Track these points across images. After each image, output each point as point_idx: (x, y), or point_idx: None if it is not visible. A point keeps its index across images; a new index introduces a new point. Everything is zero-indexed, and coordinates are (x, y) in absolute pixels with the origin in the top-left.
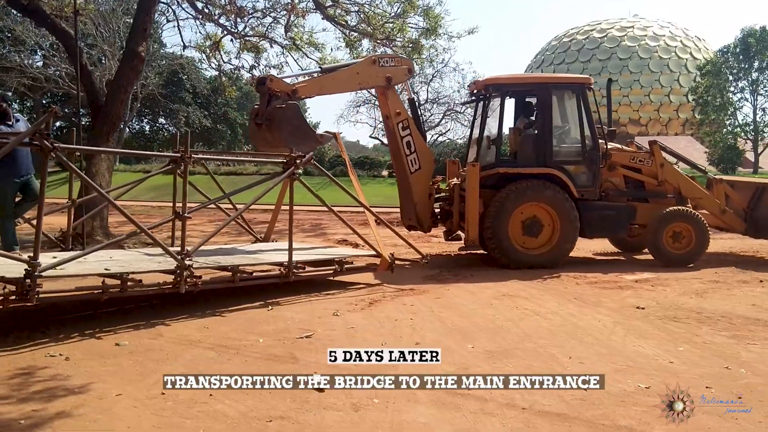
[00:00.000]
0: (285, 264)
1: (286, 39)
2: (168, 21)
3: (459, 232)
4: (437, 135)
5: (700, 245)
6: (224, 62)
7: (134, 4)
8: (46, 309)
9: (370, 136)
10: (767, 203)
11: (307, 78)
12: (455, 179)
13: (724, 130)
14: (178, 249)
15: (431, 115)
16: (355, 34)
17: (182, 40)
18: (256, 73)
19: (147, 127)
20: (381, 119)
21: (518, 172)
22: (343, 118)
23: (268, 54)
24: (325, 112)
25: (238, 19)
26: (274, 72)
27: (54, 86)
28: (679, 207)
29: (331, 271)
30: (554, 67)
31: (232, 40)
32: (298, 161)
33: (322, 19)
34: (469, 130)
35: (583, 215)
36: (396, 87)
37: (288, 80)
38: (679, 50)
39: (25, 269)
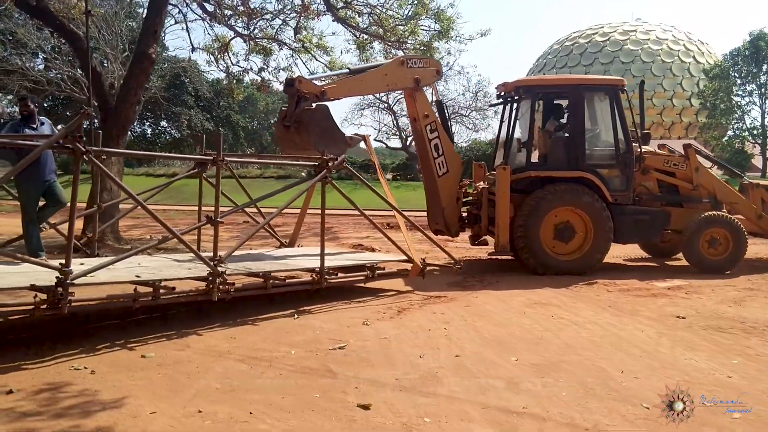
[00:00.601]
0: (317, 270)
1: (296, 41)
2: (176, 22)
3: (485, 237)
4: None
5: (738, 251)
6: (233, 64)
7: (137, 7)
8: (68, 318)
9: (375, 139)
10: None
11: (335, 79)
12: (482, 182)
13: (731, 133)
14: (210, 254)
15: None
16: (366, 36)
17: (191, 42)
18: (265, 75)
19: (149, 131)
20: (384, 122)
21: (550, 175)
22: (347, 121)
23: (276, 56)
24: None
25: (249, 21)
26: (282, 75)
27: (56, 89)
28: (716, 212)
29: (363, 278)
30: (557, 71)
31: (246, 42)
32: (330, 164)
33: (333, 20)
34: (497, 132)
35: (617, 220)
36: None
37: (316, 82)
38: (682, 54)
39: (57, 277)
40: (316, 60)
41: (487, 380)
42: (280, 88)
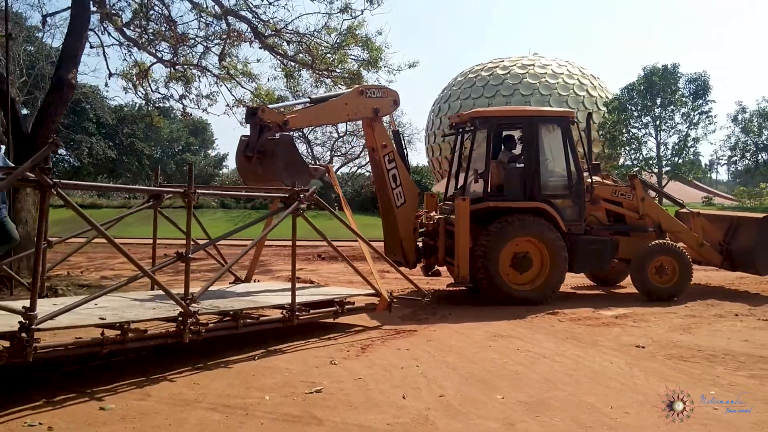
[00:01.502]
0: (286, 307)
1: (220, 68)
2: (92, 47)
3: (438, 268)
4: (357, 167)
5: (685, 279)
6: (153, 91)
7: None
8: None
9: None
10: (741, 236)
11: (297, 108)
12: (434, 212)
13: (628, 163)
14: (180, 293)
15: (351, 147)
16: (294, 64)
17: (108, 68)
18: (187, 102)
19: None
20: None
21: (508, 206)
22: None
23: (198, 84)
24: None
25: (177, 47)
26: (204, 102)
27: None
28: (663, 241)
29: (332, 313)
30: (461, 102)
31: (168, 68)
32: (301, 195)
33: (260, 48)
34: (450, 163)
35: (571, 250)
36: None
37: (278, 111)
38: (576, 88)
39: (20, 322)
40: (242, 87)
41: (483, 422)
42: (202, 115)
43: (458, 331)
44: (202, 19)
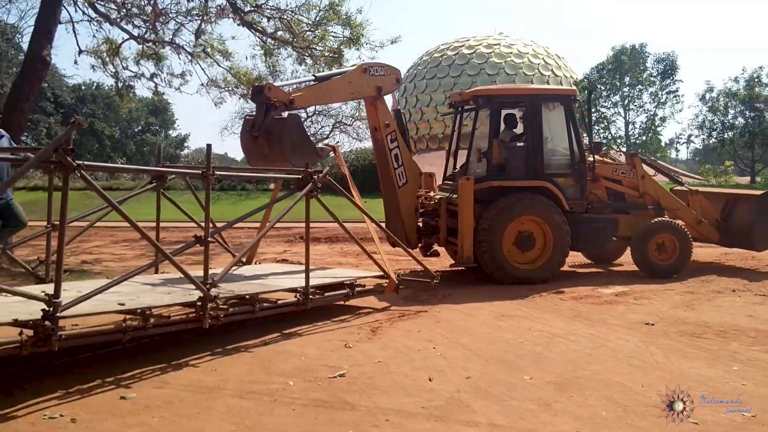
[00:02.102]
0: (299, 290)
1: (196, 46)
2: (60, 23)
3: (436, 248)
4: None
5: (685, 256)
6: (124, 69)
7: None
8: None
9: None
10: (739, 213)
11: (302, 87)
12: (432, 192)
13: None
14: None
15: (321, 127)
16: (273, 41)
17: (77, 44)
18: (158, 81)
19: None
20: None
21: (513, 185)
22: (227, 130)
23: (170, 62)
24: (203, 124)
25: (155, 23)
26: (176, 81)
27: None
28: (664, 218)
29: (342, 296)
30: (426, 82)
31: (141, 45)
32: (315, 177)
33: (238, 24)
34: (449, 142)
35: (572, 228)
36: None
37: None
38: (541, 67)
39: (43, 309)
40: (218, 66)
41: (519, 403)
42: (174, 94)
43: (464, 311)
44: None
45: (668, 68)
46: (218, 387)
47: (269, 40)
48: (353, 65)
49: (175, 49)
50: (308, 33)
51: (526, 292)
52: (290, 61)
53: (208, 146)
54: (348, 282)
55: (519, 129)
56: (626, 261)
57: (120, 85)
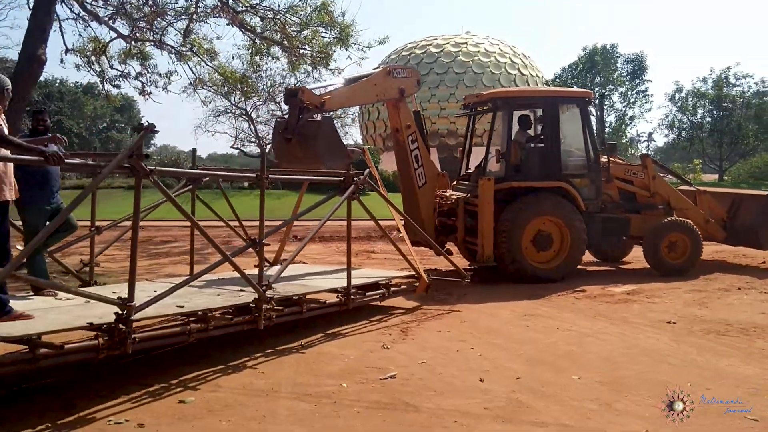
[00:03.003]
0: (340, 290)
1: (184, 45)
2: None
3: (448, 247)
4: None
5: (695, 255)
6: (110, 68)
7: None
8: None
9: (232, 147)
10: (744, 213)
11: (330, 89)
12: (447, 191)
13: None
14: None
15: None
16: (263, 41)
17: (64, 43)
18: (144, 80)
19: None
20: (242, 129)
21: (531, 185)
22: (201, 128)
23: (156, 61)
24: (170, 121)
25: (152, 21)
26: (161, 80)
27: None
28: (676, 218)
29: (378, 296)
30: None
31: (129, 44)
32: (356, 179)
33: (228, 24)
34: (464, 142)
35: (588, 228)
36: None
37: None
38: (508, 66)
39: (116, 313)
40: (206, 65)
41: (579, 403)
42: (161, 93)
43: (485, 311)
44: None
45: (637, 69)
46: (272, 390)
47: (258, 40)
48: (377, 68)
49: (163, 48)
50: (299, 33)
51: (540, 291)
52: (275, 60)
53: (263, 150)
54: (383, 282)
55: (532, 130)
56: (633, 259)
57: (106, 84)
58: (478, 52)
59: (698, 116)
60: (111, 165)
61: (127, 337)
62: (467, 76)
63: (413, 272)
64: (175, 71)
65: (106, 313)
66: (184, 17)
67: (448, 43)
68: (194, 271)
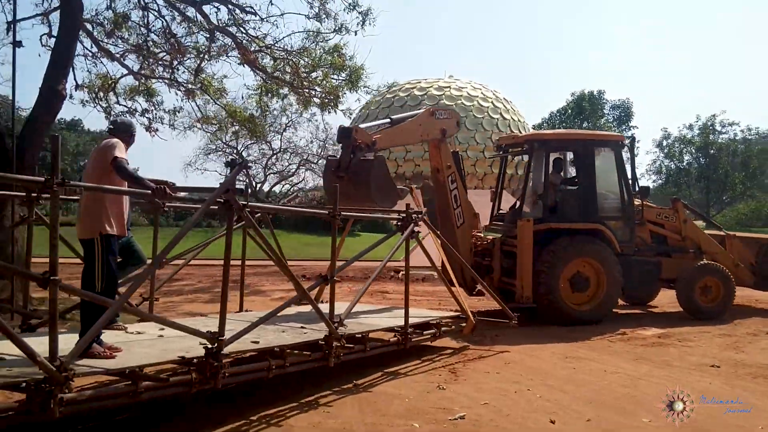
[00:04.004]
0: (396, 329)
1: (194, 83)
2: None
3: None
4: (290, 186)
5: (728, 298)
6: (118, 103)
7: None
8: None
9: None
10: None
11: (379, 129)
12: (480, 232)
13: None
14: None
15: (289, 164)
16: (273, 81)
17: (75, 79)
18: (150, 117)
19: None
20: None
21: (570, 227)
22: (191, 165)
23: (162, 98)
24: (155, 158)
25: (173, 60)
26: (167, 117)
27: None
28: (709, 262)
29: (430, 336)
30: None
31: (139, 81)
32: (415, 216)
33: (238, 63)
34: (497, 183)
35: (623, 270)
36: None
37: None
38: (491, 110)
39: (205, 347)
40: (215, 103)
41: None
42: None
43: (525, 353)
44: (192, 32)
45: (623, 115)
46: (345, 429)
47: (269, 80)
48: (421, 109)
49: (172, 86)
50: (312, 74)
51: (572, 333)
52: (281, 101)
53: (335, 188)
54: (434, 322)
55: (564, 173)
56: (658, 302)
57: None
58: (461, 96)
59: (685, 162)
60: (208, 201)
61: (218, 371)
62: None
63: (459, 312)
64: (181, 108)
65: (187, 347)
66: (193, 55)
67: (431, 87)
68: (244, 306)
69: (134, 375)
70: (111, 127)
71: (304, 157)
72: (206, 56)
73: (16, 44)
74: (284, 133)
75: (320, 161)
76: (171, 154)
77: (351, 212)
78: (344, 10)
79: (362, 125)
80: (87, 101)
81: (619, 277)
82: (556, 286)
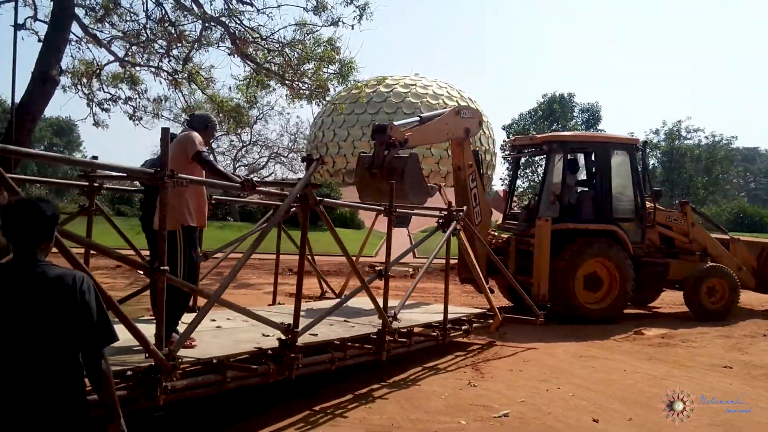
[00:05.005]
0: (435, 325)
1: (182, 72)
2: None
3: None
4: (260, 178)
5: (733, 300)
6: (103, 90)
7: None
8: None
9: None
10: None
11: (409, 127)
12: (494, 230)
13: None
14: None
15: (259, 156)
16: (264, 72)
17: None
18: (134, 105)
19: None
20: None
21: (586, 228)
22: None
23: (146, 86)
24: (112, 148)
25: (170, 47)
26: (150, 106)
27: None
28: (716, 264)
29: (462, 332)
30: (344, 117)
31: (124, 68)
32: (456, 214)
33: (229, 54)
34: (510, 183)
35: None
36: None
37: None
38: None
39: (279, 339)
40: (202, 93)
41: None
42: (151, 119)
43: (540, 351)
44: (186, 20)
45: (592, 118)
46: (393, 425)
47: (259, 72)
48: (448, 107)
49: (159, 74)
50: (303, 66)
51: (578, 332)
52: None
53: (391, 186)
54: (465, 318)
55: (579, 174)
56: (661, 303)
57: (94, 107)
58: (427, 94)
59: (650, 166)
60: (291, 195)
61: (293, 362)
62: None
63: (484, 309)
64: (167, 97)
65: (251, 338)
66: (183, 44)
67: (397, 84)
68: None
69: (222, 365)
70: (188, 120)
71: (275, 150)
72: (196, 45)
73: (17, 27)
74: (255, 126)
75: (290, 155)
76: (136, 144)
77: (403, 209)
78: (341, 3)
79: (396, 123)
80: (68, 87)
81: (631, 277)
82: (572, 286)
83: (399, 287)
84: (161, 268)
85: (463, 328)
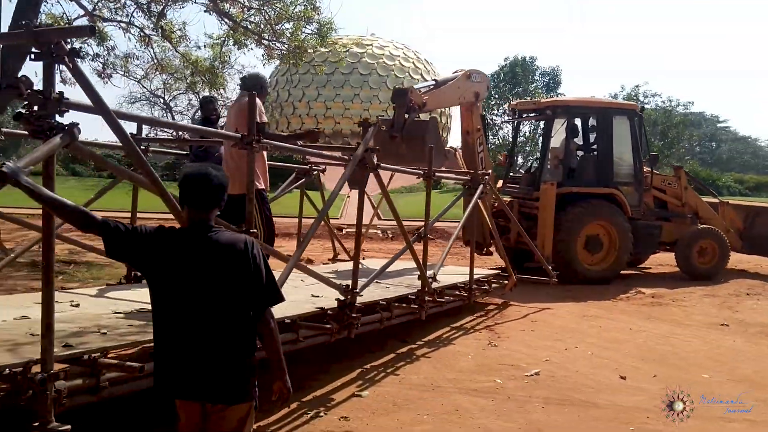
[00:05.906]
0: (461, 285)
1: (155, 29)
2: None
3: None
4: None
5: (723, 261)
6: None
7: None
8: None
9: (146, 136)
10: (760, 224)
11: (426, 91)
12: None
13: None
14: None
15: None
16: (241, 30)
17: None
18: (103, 62)
19: None
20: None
21: (588, 191)
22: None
23: (114, 42)
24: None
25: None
26: (119, 63)
27: None
28: (707, 226)
29: (484, 291)
30: (299, 76)
31: (91, 22)
32: (482, 177)
33: (205, 11)
34: (510, 146)
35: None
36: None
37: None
38: (411, 71)
39: (338, 299)
40: (176, 51)
41: (752, 403)
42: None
43: (545, 312)
44: None
45: (552, 82)
46: (432, 385)
47: (236, 30)
48: (459, 71)
49: (129, 30)
50: (281, 24)
51: (572, 293)
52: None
53: (430, 149)
54: (484, 279)
55: (579, 139)
56: (649, 264)
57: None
58: (383, 55)
59: None
60: (354, 158)
61: (353, 322)
62: (372, 78)
63: (498, 270)
64: (136, 56)
65: (308, 299)
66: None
67: (353, 44)
68: None
69: (296, 324)
70: (241, 82)
71: None
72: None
73: None
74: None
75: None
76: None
77: (439, 173)
78: None
79: (416, 86)
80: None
81: (629, 239)
82: (573, 248)
83: (374, 248)
84: (251, 231)
85: (483, 288)
